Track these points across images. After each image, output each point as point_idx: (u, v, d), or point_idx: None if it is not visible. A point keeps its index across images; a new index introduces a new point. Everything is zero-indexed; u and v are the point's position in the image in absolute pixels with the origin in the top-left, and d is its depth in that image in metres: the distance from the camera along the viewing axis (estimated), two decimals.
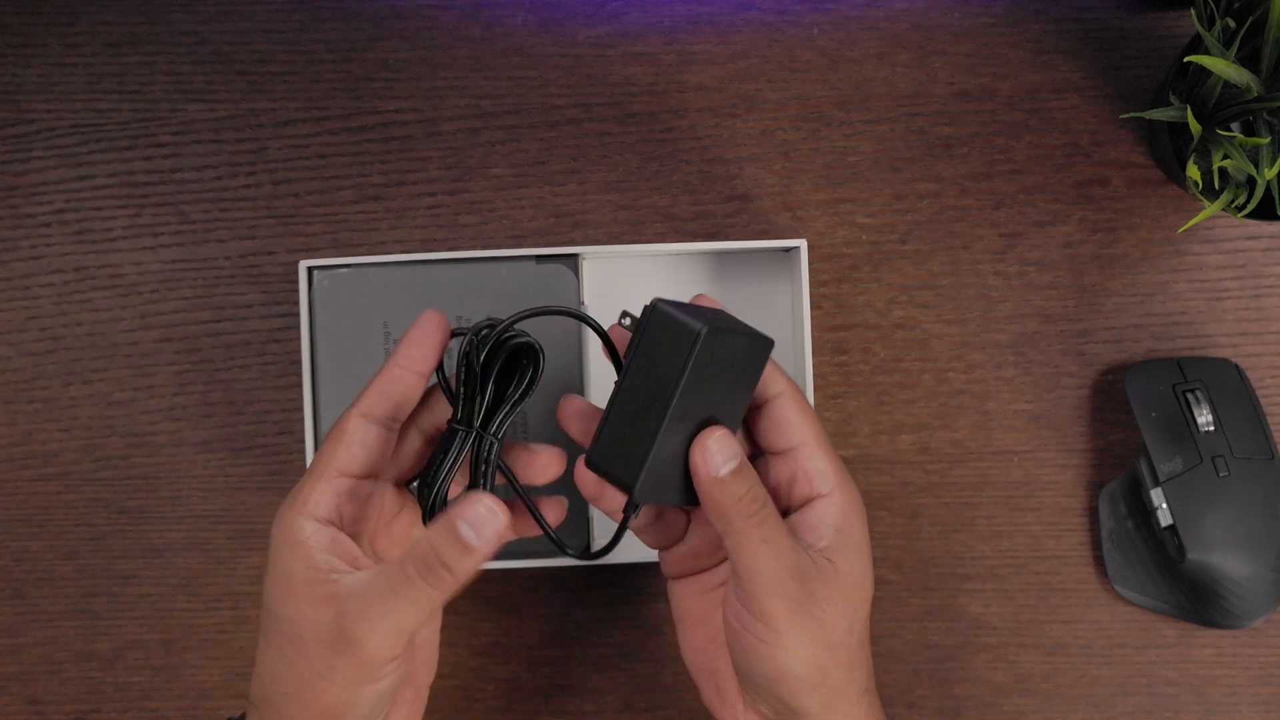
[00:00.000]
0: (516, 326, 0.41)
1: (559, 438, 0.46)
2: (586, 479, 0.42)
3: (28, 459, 0.57)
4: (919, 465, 0.57)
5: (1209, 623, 0.55)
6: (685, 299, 0.56)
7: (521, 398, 0.42)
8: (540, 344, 0.42)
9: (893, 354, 0.57)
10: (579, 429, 0.44)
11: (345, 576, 0.39)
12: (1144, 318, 0.57)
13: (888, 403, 0.57)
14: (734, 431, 0.42)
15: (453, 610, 0.56)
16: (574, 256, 0.53)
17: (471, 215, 0.57)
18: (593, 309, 0.56)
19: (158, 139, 0.57)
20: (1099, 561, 0.56)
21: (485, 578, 0.56)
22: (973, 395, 0.57)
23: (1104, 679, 0.56)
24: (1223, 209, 0.49)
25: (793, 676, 0.40)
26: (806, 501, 0.42)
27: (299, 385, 0.57)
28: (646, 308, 0.40)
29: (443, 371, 0.43)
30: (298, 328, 0.57)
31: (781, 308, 0.56)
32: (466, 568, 0.38)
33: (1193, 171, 0.49)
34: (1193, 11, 0.47)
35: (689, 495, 0.41)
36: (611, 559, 0.53)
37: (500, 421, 0.42)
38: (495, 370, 0.41)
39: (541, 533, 0.45)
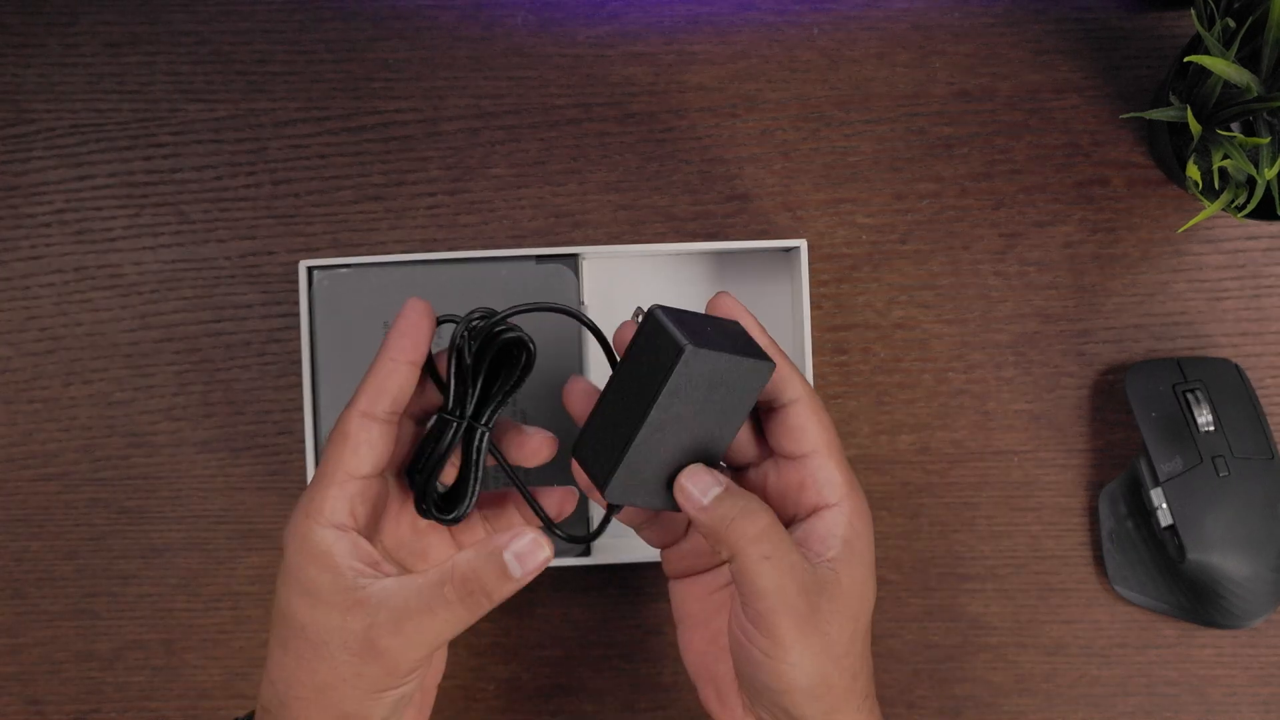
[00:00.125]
0: (509, 320, 0.41)
1: (555, 427, 0.46)
2: (579, 468, 0.43)
3: (28, 459, 0.57)
4: (919, 465, 0.57)
5: (1209, 623, 0.55)
6: (685, 299, 0.56)
7: (513, 389, 0.43)
8: (532, 338, 0.42)
9: (893, 354, 0.57)
10: (580, 409, 0.44)
11: (373, 584, 0.40)
12: (1144, 318, 0.57)
13: (888, 403, 0.57)
14: (722, 451, 0.42)
15: None
16: (574, 256, 0.53)
17: (471, 215, 0.57)
18: (593, 309, 0.56)
19: (158, 139, 0.57)
20: (1099, 561, 0.56)
21: None
22: (973, 395, 0.57)
23: (1104, 679, 0.56)
24: (1223, 209, 0.49)
25: (797, 688, 0.40)
26: (814, 510, 0.42)
27: (299, 385, 0.57)
28: (646, 312, 0.40)
29: (432, 359, 0.43)
30: (298, 328, 0.57)
31: (781, 308, 0.56)
32: (505, 594, 0.40)
33: (1193, 171, 0.49)
34: (1193, 11, 0.47)
35: (668, 501, 0.41)
36: (612, 559, 0.53)
37: (491, 412, 0.42)
38: (487, 362, 0.42)
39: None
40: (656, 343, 0.39)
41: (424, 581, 0.39)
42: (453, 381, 0.42)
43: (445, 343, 0.43)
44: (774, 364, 0.41)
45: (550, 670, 0.57)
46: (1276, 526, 0.53)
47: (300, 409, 0.57)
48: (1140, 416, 0.54)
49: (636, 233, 0.57)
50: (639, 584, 0.57)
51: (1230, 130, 0.49)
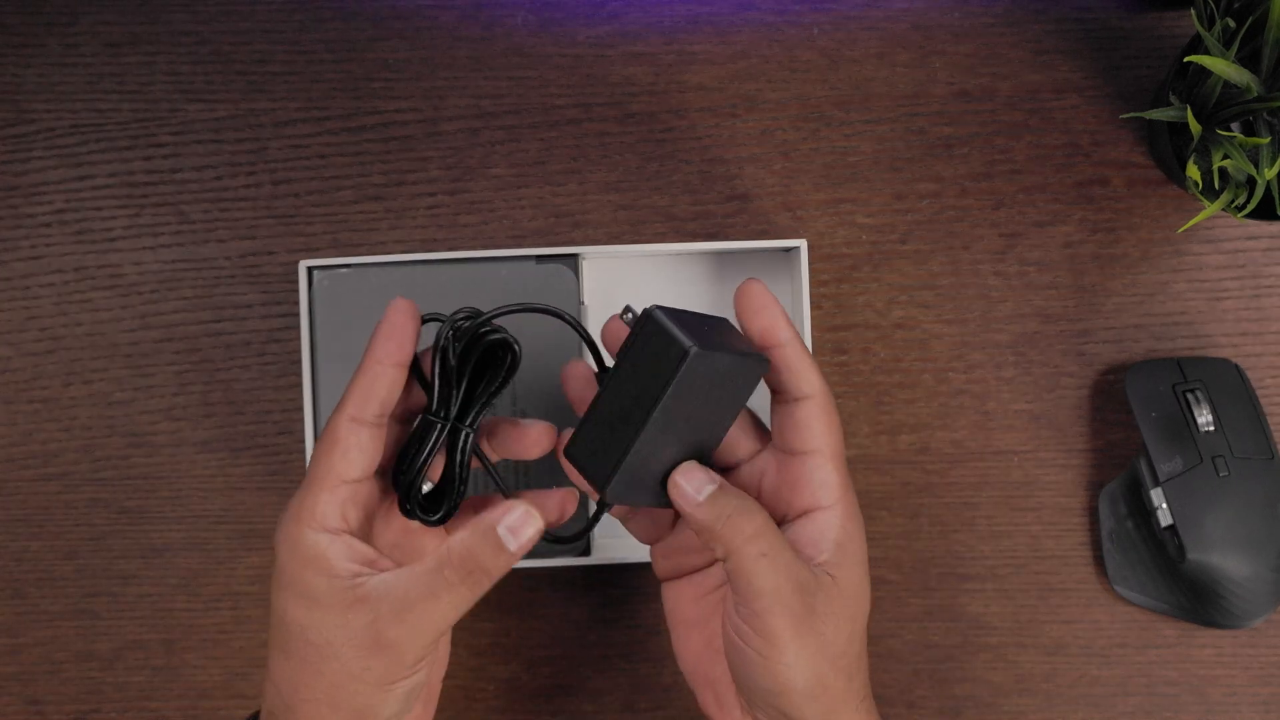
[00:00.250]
0: (494, 321, 0.41)
1: (553, 424, 0.46)
2: (570, 464, 0.43)
3: (28, 459, 0.57)
4: (919, 465, 0.57)
5: (1209, 623, 0.55)
6: (685, 299, 0.56)
7: (497, 391, 0.43)
8: (517, 340, 0.42)
9: (893, 354, 0.57)
10: (578, 394, 0.44)
11: (371, 579, 0.40)
12: (1144, 318, 0.57)
13: (888, 403, 0.57)
14: (715, 446, 0.42)
15: None
16: (574, 256, 0.53)
17: (471, 215, 0.57)
18: (593, 309, 0.56)
19: (158, 139, 0.57)
20: (1099, 561, 0.56)
21: None
22: (973, 395, 0.57)
23: (1104, 679, 0.56)
24: (1223, 209, 0.49)
25: (794, 689, 0.40)
26: (806, 511, 0.42)
27: (299, 385, 0.57)
28: (644, 313, 0.40)
29: (417, 360, 0.43)
30: (298, 328, 0.57)
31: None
32: (503, 568, 0.40)
33: (1193, 171, 0.49)
34: (1193, 11, 0.47)
35: (662, 498, 0.41)
36: (612, 559, 0.53)
37: (476, 414, 0.42)
38: (471, 364, 0.42)
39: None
40: (657, 344, 0.39)
41: (422, 569, 0.39)
42: (437, 382, 0.42)
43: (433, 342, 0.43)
44: (769, 361, 0.41)
45: (550, 670, 0.57)
46: (1276, 526, 0.53)
47: (300, 409, 0.57)
48: (1140, 416, 0.54)
49: (636, 233, 0.57)
50: (639, 584, 0.57)
51: (1230, 130, 0.49)
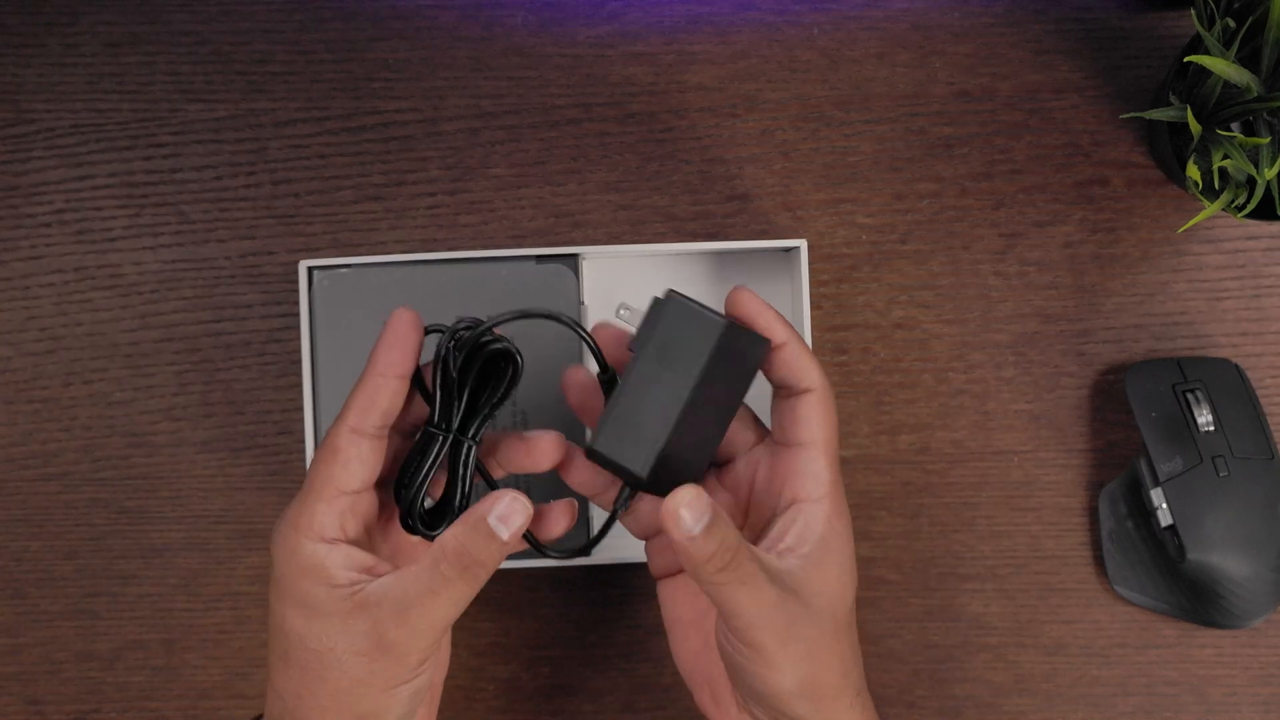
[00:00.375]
0: (495, 330, 0.41)
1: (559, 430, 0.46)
2: (575, 476, 0.43)
3: (28, 459, 0.57)
4: (919, 465, 0.57)
5: (1209, 623, 0.55)
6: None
7: (499, 402, 0.42)
8: (518, 349, 0.42)
9: (893, 354, 0.57)
10: (580, 401, 0.44)
11: (370, 584, 0.39)
12: (1144, 318, 0.57)
13: (888, 403, 0.57)
14: (722, 433, 0.42)
15: None
16: (574, 256, 0.53)
17: (471, 215, 0.57)
18: (593, 309, 0.56)
19: (158, 139, 0.57)
20: (1099, 561, 0.56)
21: None
22: (973, 395, 0.57)
23: (1104, 679, 0.56)
24: (1223, 209, 0.49)
25: (785, 691, 0.40)
26: (793, 503, 0.42)
27: (299, 385, 0.57)
28: (659, 299, 0.41)
29: (419, 371, 0.42)
30: (298, 328, 0.57)
31: (782, 308, 0.56)
32: (497, 558, 0.39)
33: (1193, 171, 0.49)
34: (1193, 11, 0.47)
35: (698, 480, 0.42)
36: (612, 559, 0.53)
37: (478, 425, 0.42)
38: (473, 375, 0.41)
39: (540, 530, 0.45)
40: (684, 323, 0.40)
41: (418, 568, 0.39)
42: (438, 394, 0.41)
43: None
44: (770, 340, 0.42)
45: (550, 670, 0.57)
46: (1276, 526, 0.53)
47: (300, 409, 0.57)
48: (1140, 416, 0.54)
49: (636, 233, 0.57)
50: (639, 584, 0.57)
51: (1230, 130, 0.49)
